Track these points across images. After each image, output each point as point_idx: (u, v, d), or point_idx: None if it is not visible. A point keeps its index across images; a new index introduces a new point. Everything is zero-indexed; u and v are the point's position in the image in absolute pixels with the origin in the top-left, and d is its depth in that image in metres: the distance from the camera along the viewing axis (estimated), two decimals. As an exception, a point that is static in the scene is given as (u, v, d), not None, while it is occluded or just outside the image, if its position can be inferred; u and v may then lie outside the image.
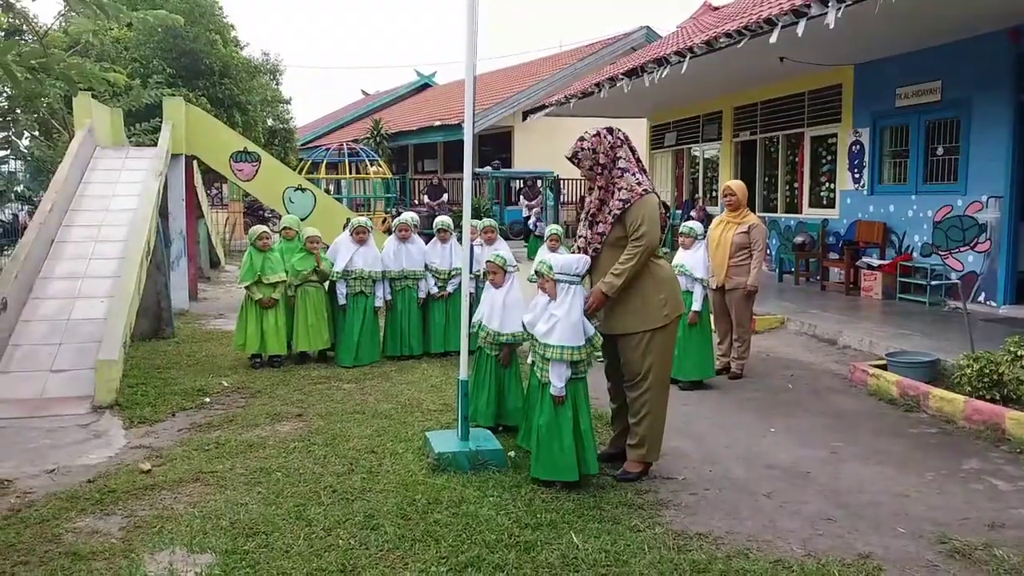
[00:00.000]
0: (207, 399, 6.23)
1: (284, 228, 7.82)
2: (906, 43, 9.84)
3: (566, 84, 20.69)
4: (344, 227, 7.83)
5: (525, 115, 18.91)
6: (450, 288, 7.77)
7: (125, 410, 5.88)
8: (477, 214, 15.89)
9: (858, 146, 11.42)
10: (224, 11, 17.61)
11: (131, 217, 8.45)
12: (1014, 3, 7.80)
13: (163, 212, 10.17)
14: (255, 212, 21.37)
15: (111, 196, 9.05)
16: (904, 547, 3.70)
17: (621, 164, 4.44)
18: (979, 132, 9.37)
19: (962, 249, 9.60)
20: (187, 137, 10.93)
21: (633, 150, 4.55)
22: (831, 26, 7.63)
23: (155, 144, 10.84)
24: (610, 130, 4.53)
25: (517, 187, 22.43)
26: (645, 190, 4.37)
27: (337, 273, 7.39)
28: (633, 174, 4.43)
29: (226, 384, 6.69)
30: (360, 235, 7.50)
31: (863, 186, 11.37)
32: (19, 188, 14.49)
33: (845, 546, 3.71)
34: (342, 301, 7.44)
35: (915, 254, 10.35)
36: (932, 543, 3.73)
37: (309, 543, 3.64)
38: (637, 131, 19.41)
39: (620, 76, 12.66)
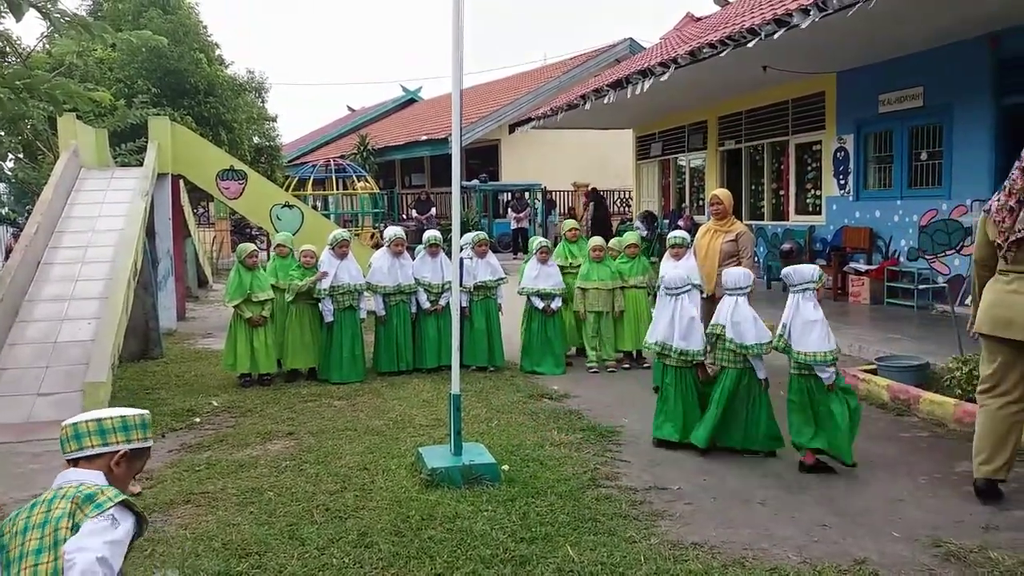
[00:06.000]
0: (197, 419, 6.18)
1: (278, 245, 7.81)
2: (887, 50, 9.93)
3: (552, 97, 20.76)
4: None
5: (512, 128, 18.95)
6: (443, 302, 7.75)
7: (114, 432, 5.81)
8: (465, 227, 15.88)
9: (843, 152, 11.50)
10: (208, 30, 17.64)
11: (118, 238, 8.39)
12: (993, 10, 7.90)
13: (150, 232, 10.12)
14: (242, 230, 21.29)
15: (97, 217, 8.99)
16: (899, 552, 3.70)
17: None
18: (961, 136, 9.46)
19: (948, 253, 9.69)
20: (173, 156, 10.89)
21: None
22: (803, 27, 7.73)
23: (141, 164, 10.79)
24: None
25: (505, 200, 22.47)
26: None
27: (324, 290, 7.36)
28: None
29: (216, 404, 6.64)
30: (342, 249, 7.50)
31: (848, 192, 11.44)
32: (3, 210, 14.41)
33: (841, 552, 3.70)
34: (329, 318, 7.41)
35: (902, 258, 10.41)
36: (927, 547, 3.73)
37: (303, 563, 3.60)
38: (623, 142, 19.56)
39: (605, 88, 12.72)
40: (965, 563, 3.56)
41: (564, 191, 23.49)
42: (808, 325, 4.74)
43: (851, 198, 11.39)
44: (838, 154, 11.58)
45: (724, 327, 5.12)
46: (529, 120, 17.10)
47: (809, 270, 4.93)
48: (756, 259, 12.46)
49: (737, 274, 5.27)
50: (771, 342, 5.02)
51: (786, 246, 12.17)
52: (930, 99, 9.84)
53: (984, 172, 9.14)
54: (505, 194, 22.46)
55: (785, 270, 5.04)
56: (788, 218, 13.01)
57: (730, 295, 5.22)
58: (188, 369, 8.08)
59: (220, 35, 78.68)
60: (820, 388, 4.79)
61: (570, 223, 8.73)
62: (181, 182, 12.01)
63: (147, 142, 10.94)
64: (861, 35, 8.88)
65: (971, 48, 9.07)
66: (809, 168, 12.60)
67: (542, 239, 8.02)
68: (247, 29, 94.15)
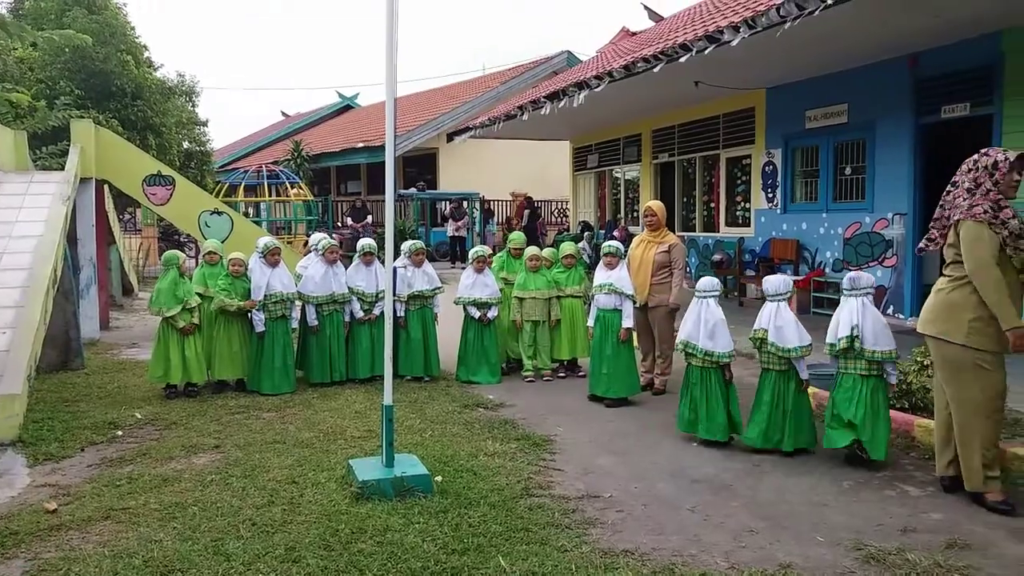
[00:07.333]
0: (119, 432, 5.96)
1: (208, 253, 7.60)
2: (814, 68, 10.27)
3: (490, 106, 20.83)
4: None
5: (450, 137, 18.94)
6: (377, 311, 7.65)
7: (29, 447, 5.57)
8: (403, 236, 15.78)
9: (771, 166, 11.83)
10: (137, 31, 17.13)
11: (36, 244, 8.07)
12: (911, 32, 8.24)
13: (72, 238, 9.75)
14: (170, 237, 20.71)
15: (14, 222, 8.62)
16: (823, 555, 3.79)
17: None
18: (883, 152, 9.83)
19: (871, 264, 10.05)
20: (97, 160, 10.54)
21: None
22: (733, 43, 7.94)
23: (62, 168, 10.40)
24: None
25: (443, 208, 22.41)
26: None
27: (257, 300, 7.20)
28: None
29: (139, 416, 6.42)
30: (273, 257, 7.35)
31: (776, 205, 11.76)
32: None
33: (767, 557, 3.78)
34: (260, 328, 7.24)
35: (827, 269, 10.74)
36: (849, 550, 3.84)
37: (227, 579, 3.50)
38: (560, 153, 19.73)
39: (542, 99, 12.83)
40: (884, 565, 3.67)
41: (502, 200, 23.55)
42: (883, 326, 5.06)
43: (779, 211, 11.71)
44: (767, 168, 11.90)
45: (767, 331, 5.43)
46: (467, 129, 17.12)
47: (869, 276, 5.28)
48: (688, 270, 12.69)
49: (777, 281, 5.60)
50: (810, 345, 5.35)
51: (717, 257, 12.44)
52: (854, 116, 10.21)
53: (904, 187, 9.52)
54: (443, 203, 22.40)
55: (852, 274, 5.28)
56: (719, 230, 13.30)
57: (771, 301, 5.55)
58: (111, 380, 7.79)
59: (149, 37, 76.67)
60: (877, 387, 5.06)
61: (519, 238, 8.49)
62: (106, 187, 11.62)
63: (69, 145, 10.56)
64: (789, 53, 9.15)
65: (892, 67, 9.44)
66: (739, 181, 12.91)
67: (479, 248, 8.00)
68: (178, 32, 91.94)
